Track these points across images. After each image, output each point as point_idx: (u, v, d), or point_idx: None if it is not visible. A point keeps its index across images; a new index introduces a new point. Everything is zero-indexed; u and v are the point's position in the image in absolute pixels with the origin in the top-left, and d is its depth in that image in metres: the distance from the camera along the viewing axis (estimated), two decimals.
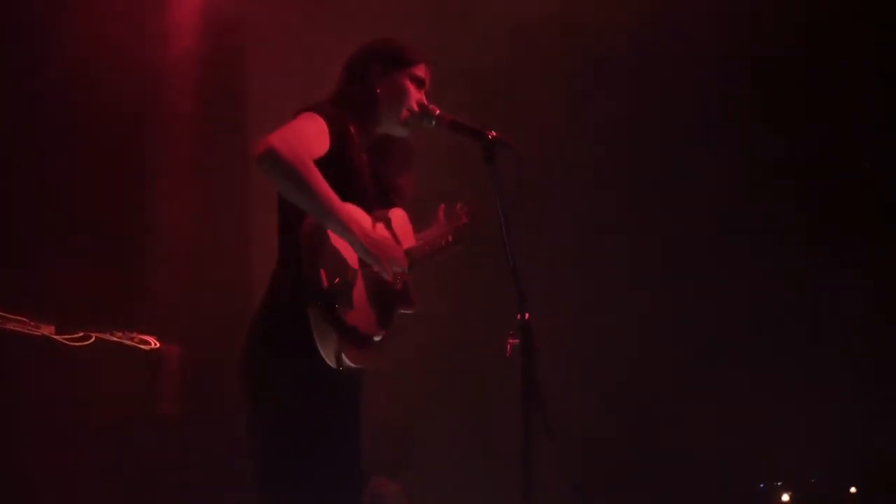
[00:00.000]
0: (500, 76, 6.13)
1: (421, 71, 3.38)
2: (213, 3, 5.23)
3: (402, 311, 3.37)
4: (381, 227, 3.31)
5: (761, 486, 6.06)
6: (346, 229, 3.04)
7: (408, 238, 3.43)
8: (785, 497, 6.00)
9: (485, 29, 6.12)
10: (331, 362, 3.07)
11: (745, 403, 5.93)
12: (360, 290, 3.16)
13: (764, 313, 6.05)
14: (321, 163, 3.07)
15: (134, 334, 4.40)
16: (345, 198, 3.10)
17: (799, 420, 5.86)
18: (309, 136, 3.07)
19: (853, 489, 5.94)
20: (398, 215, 3.42)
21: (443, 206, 3.60)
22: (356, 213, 3.17)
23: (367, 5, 5.38)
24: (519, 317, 3.03)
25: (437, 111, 3.31)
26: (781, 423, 5.90)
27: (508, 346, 3.04)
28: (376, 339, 3.23)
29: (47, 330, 4.09)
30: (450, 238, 3.55)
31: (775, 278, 6.06)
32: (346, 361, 3.09)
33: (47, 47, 4.69)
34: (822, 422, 5.83)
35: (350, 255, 3.15)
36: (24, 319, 4.05)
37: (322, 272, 3.03)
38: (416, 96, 3.34)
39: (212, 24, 5.22)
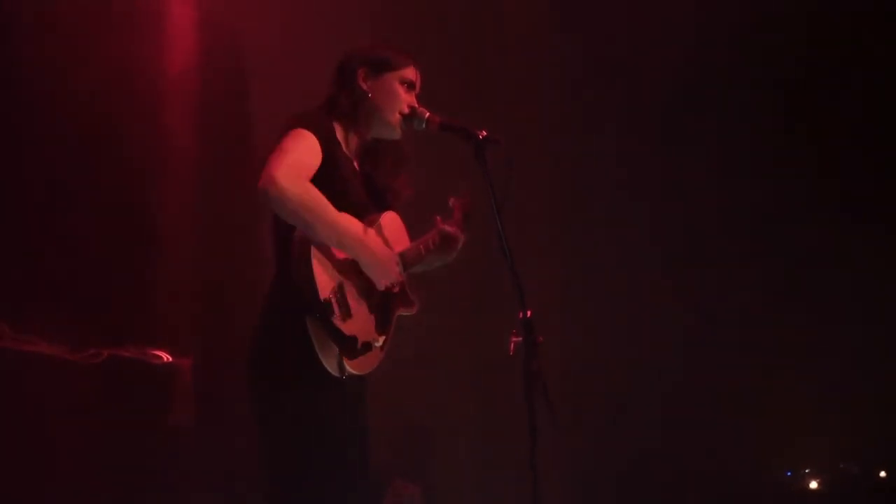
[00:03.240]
0: (497, 71, 6.16)
1: (410, 73, 3.39)
2: (210, 15, 5.26)
3: (403, 314, 3.38)
4: (372, 232, 3.31)
5: (788, 473, 6.01)
6: (351, 249, 3.11)
7: (401, 241, 3.43)
8: (813, 484, 5.95)
9: (481, 28, 6.15)
10: (333, 371, 3.08)
11: (772, 390, 5.89)
12: (356, 298, 3.17)
13: (789, 298, 6.01)
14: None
15: (146, 349, 4.42)
16: (335, 204, 3.11)
17: (827, 406, 5.82)
18: (306, 159, 3.10)
19: (883, 473, 5.89)
20: (390, 218, 3.42)
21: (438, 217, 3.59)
22: (355, 225, 3.19)
23: (366, 8, 5.39)
24: (520, 314, 3.04)
25: (427, 113, 3.32)
26: (809, 410, 5.86)
27: (511, 344, 3.05)
28: (376, 344, 3.24)
29: (60, 348, 4.11)
30: (445, 235, 3.54)
31: (801, 264, 6.02)
32: (349, 369, 3.10)
33: (50, 59, 4.71)
34: (850, 407, 5.78)
35: (343, 264, 3.16)
36: (37, 339, 4.08)
37: (317, 283, 3.04)
38: (406, 99, 3.35)
39: (209, 33, 5.25)
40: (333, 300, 3.07)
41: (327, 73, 3.46)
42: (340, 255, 3.15)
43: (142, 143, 5.02)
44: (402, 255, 3.38)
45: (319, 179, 3.08)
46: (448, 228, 3.41)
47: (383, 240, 3.34)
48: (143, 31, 5.04)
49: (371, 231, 3.29)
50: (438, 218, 3.51)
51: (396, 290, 3.31)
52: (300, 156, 3.09)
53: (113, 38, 4.87)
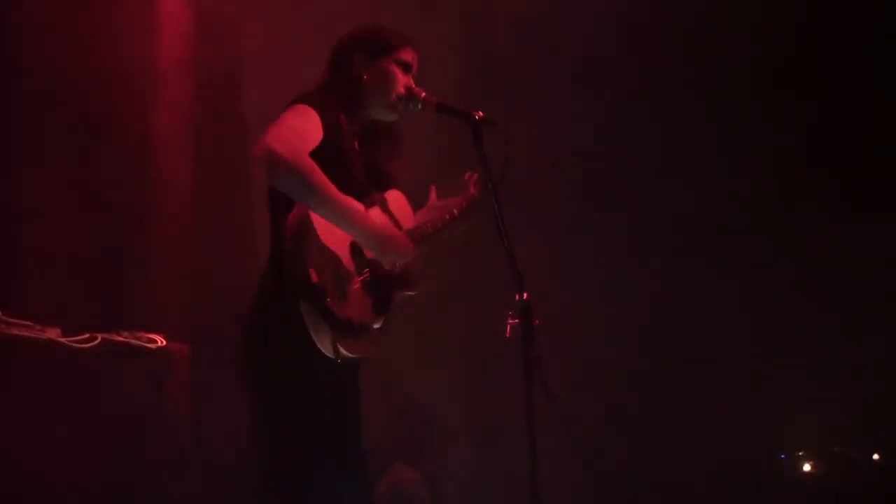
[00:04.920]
0: (496, 61, 6.15)
1: (407, 55, 3.38)
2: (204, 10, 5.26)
3: (404, 294, 3.36)
4: (376, 210, 3.30)
5: (782, 456, 6.03)
6: (352, 224, 3.07)
7: (407, 219, 3.43)
8: (807, 467, 5.97)
9: (478, 19, 6.15)
10: (328, 353, 3.06)
11: (765, 374, 5.90)
12: (353, 280, 3.15)
13: (785, 285, 6.01)
14: (314, 152, 3.07)
15: (140, 333, 4.40)
16: (337, 185, 3.09)
17: (820, 389, 5.83)
18: (304, 131, 3.08)
19: (876, 456, 5.90)
20: (395, 197, 3.41)
21: (434, 187, 3.58)
22: (357, 204, 3.17)
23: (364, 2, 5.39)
24: (517, 297, 3.03)
25: (424, 94, 3.31)
26: (802, 393, 5.87)
27: (508, 327, 3.04)
28: (375, 326, 3.22)
29: (53, 333, 4.10)
30: (455, 212, 3.55)
31: (801, 254, 6.03)
32: (343, 352, 3.08)
33: (46, 56, 4.71)
34: (844, 390, 5.80)
35: (339, 246, 3.14)
36: (30, 323, 4.06)
37: (311, 265, 3.02)
38: (402, 80, 3.34)
39: (204, 27, 5.26)
40: (327, 282, 3.05)
41: (322, 56, 3.44)
42: (335, 236, 3.13)
43: (136, 134, 5.02)
44: (410, 233, 3.39)
45: (321, 159, 3.07)
46: (455, 211, 3.43)
47: (390, 217, 3.33)
48: (138, 26, 5.03)
49: (374, 210, 3.28)
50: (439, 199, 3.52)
51: (397, 270, 3.29)
52: (299, 127, 3.08)
53: (109, 33, 4.88)
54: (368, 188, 3.33)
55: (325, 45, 3.48)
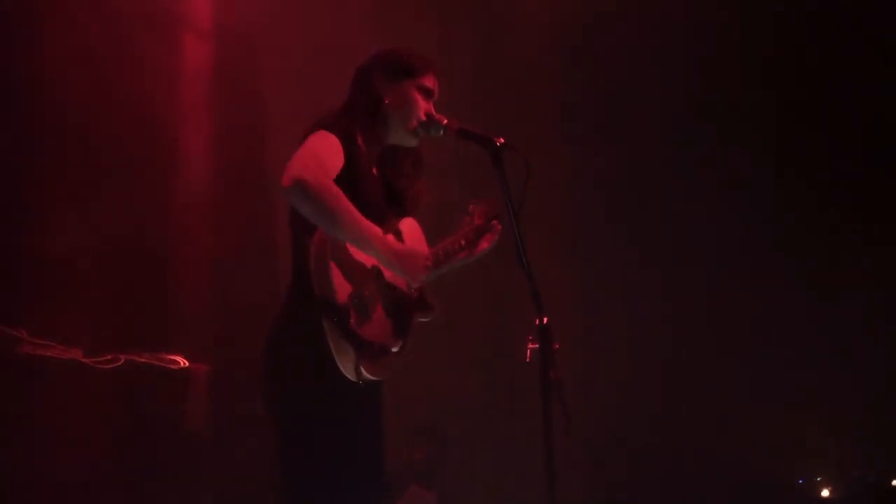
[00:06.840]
0: (511, 81, 6.19)
1: (429, 81, 3.38)
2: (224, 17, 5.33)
3: (421, 319, 3.38)
4: (391, 238, 3.31)
5: (800, 481, 6.01)
6: (374, 248, 3.10)
7: (420, 247, 3.43)
8: (825, 492, 5.95)
9: (496, 33, 6.19)
10: (350, 376, 3.07)
11: (784, 398, 5.89)
12: (374, 302, 3.16)
13: (801, 306, 6.01)
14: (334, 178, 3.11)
15: (162, 354, 4.43)
16: None
17: (839, 414, 5.82)
18: (327, 159, 3.10)
19: (895, 482, 5.88)
20: (409, 225, 3.42)
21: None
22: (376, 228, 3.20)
23: (380, 10, 5.44)
24: (537, 321, 3.04)
25: (445, 120, 3.32)
26: (821, 418, 5.86)
27: (528, 351, 3.05)
28: (394, 349, 3.24)
29: (76, 353, 4.14)
30: (462, 242, 3.54)
31: (807, 271, 6.03)
32: (365, 374, 3.09)
33: (68, 64, 4.77)
34: (862, 415, 5.78)
35: (361, 269, 3.16)
36: (53, 343, 4.10)
37: (335, 287, 3.04)
38: (423, 106, 3.34)
39: (224, 35, 5.33)
40: (351, 305, 3.07)
41: (341, 76, 3.45)
42: (357, 259, 3.15)
43: (157, 148, 5.06)
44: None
45: (338, 183, 3.09)
46: (463, 241, 3.45)
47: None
48: (159, 34, 5.08)
49: (390, 236, 3.29)
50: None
51: (414, 294, 3.31)
52: (323, 154, 3.09)
53: (128, 41, 4.93)
54: (386, 212, 3.34)
55: (345, 73, 3.50)
